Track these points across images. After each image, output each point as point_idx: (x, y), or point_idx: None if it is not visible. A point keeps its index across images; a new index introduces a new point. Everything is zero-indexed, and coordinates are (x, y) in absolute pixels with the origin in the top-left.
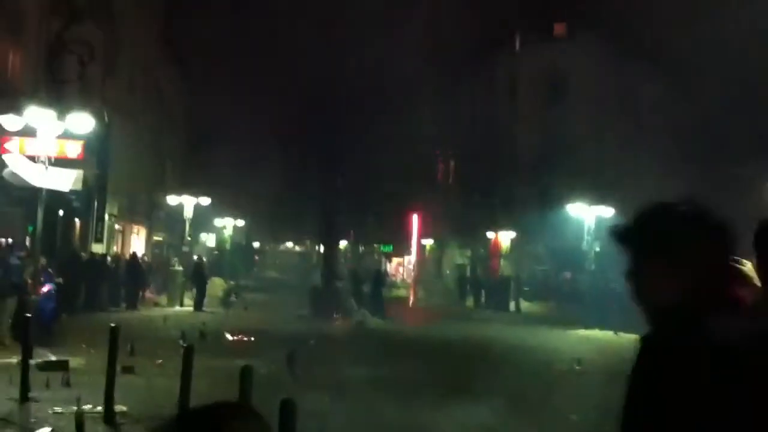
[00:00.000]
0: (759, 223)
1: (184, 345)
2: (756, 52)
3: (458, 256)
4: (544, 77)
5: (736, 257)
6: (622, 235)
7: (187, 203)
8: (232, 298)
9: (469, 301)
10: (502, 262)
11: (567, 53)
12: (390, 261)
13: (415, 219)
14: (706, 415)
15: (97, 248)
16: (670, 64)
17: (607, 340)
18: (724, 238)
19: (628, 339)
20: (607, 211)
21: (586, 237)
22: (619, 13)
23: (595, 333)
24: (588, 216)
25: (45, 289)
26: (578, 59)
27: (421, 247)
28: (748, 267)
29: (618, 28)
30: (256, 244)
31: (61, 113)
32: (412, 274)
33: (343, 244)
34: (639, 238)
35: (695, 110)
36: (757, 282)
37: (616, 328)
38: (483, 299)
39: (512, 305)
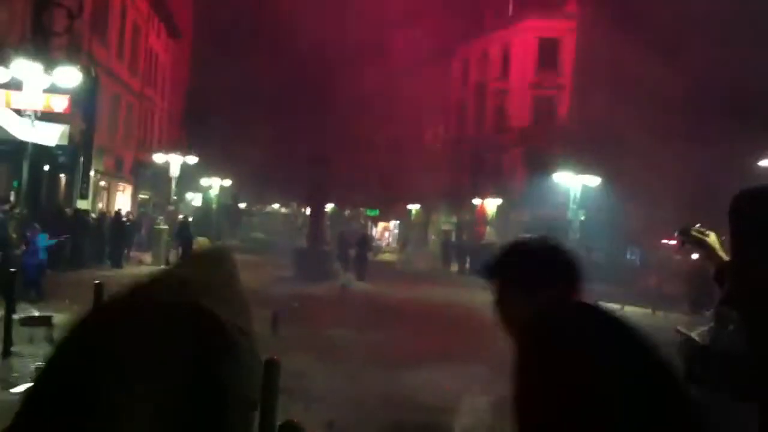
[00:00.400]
0: (733, 197)
1: None
2: (750, 26)
3: (444, 222)
4: (534, 44)
5: (701, 228)
6: (487, 271)
7: (174, 162)
8: None
9: (454, 267)
10: (487, 228)
11: (558, 21)
12: (376, 225)
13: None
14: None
15: (82, 204)
16: (663, 35)
17: None
18: (571, 266)
19: (610, 309)
20: (593, 180)
21: (571, 205)
22: None
23: None
24: (574, 184)
25: (41, 243)
26: (569, 27)
27: (407, 212)
28: (712, 238)
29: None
30: (242, 205)
31: (48, 67)
32: (398, 238)
33: (329, 206)
34: (500, 273)
35: (687, 82)
36: (721, 252)
37: (597, 298)
38: (467, 265)
39: None
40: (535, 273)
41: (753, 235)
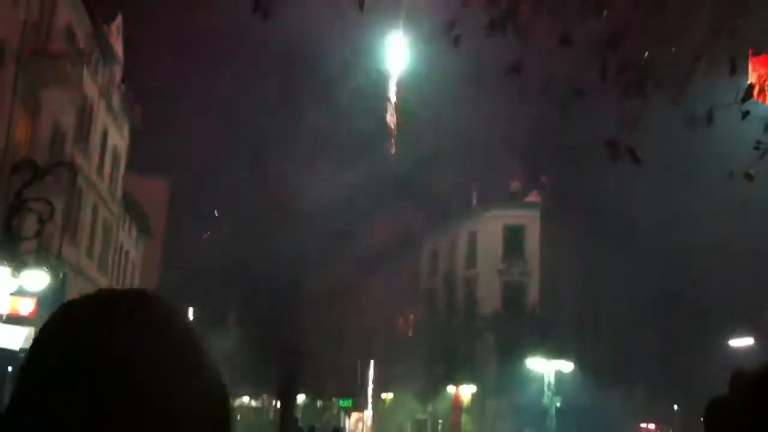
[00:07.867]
0: (707, 403)
1: None
2: (720, 223)
3: (419, 412)
4: (500, 232)
5: None
6: None
7: None
8: None
9: None
10: (463, 417)
11: (522, 210)
12: (349, 416)
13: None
14: None
15: None
16: (623, 226)
17: None
18: None
19: None
20: (567, 366)
21: (546, 392)
22: (574, 182)
23: None
24: (548, 370)
25: None
26: (533, 215)
27: (380, 402)
28: None
29: (573, 192)
30: None
31: (16, 270)
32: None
33: (301, 398)
34: None
35: (649, 271)
36: None
37: None
38: None
39: None
40: None
41: None
